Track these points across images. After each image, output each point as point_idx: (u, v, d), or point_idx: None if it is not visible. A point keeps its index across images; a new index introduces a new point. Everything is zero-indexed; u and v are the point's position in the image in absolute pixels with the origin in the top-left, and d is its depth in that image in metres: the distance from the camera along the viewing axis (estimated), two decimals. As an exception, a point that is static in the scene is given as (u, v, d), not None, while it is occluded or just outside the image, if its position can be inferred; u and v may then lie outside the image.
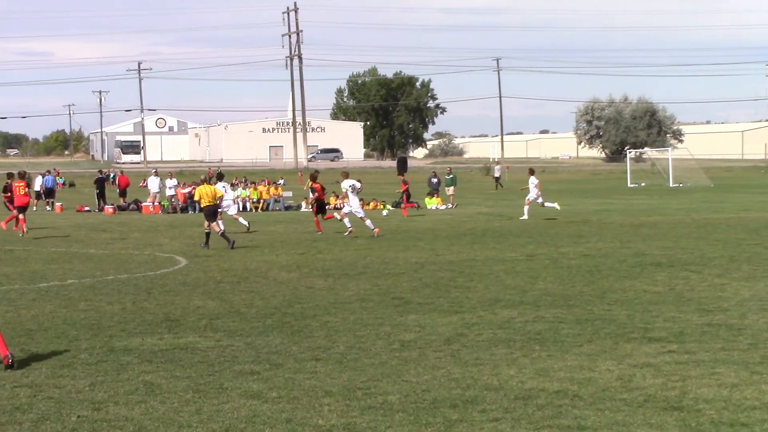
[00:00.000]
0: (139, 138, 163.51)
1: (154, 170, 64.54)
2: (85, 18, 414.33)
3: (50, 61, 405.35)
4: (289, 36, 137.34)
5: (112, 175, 74.91)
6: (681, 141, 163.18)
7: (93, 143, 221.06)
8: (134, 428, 10.46)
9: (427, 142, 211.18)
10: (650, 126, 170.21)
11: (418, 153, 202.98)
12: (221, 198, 33.26)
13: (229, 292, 20.94)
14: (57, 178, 66.45)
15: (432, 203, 58.02)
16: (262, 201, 58.85)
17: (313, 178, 39.53)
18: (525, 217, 43.34)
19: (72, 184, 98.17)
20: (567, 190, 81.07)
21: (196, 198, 32.98)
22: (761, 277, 22.47)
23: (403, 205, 52.67)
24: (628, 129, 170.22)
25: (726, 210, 49.05)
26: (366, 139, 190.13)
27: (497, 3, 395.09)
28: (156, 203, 57.87)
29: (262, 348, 14.71)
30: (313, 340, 15.35)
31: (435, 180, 60.88)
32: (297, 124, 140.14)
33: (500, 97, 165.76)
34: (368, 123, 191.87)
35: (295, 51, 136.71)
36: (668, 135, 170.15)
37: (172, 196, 58.14)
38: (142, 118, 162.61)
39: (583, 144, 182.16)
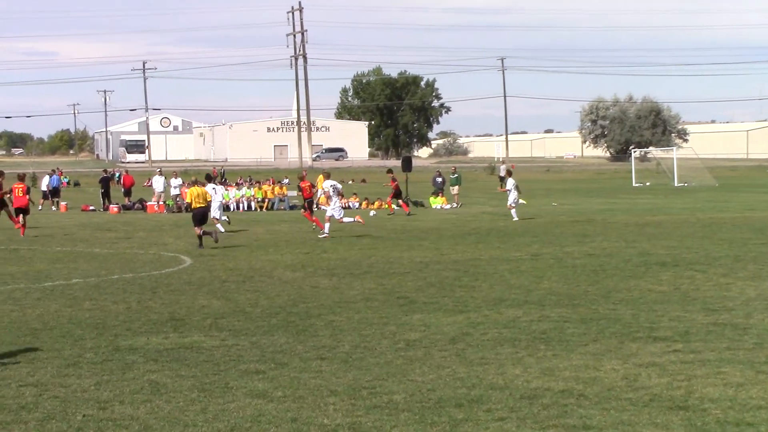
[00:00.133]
0: (144, 137, 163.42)
1: (159, 170, 64.56)
2: (89, 17, 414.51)
3: (54, 61, 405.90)
4: (294, 35, 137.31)
5: (117, 174, 74.90)
6: (686, 140, 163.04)
7: (98, 143, 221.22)
8: (140, 427, 10.46)
9: (432, 142, 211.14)
10: (655, 125, 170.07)
11: (422, 152, 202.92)
12: (210, 201, 32.93)
13: (234, 292, 20.94)
14: (61, 177, 66.40)
15: (437, 202, 58.01)
16: (266, 200, 58.88)
17: (301, 178, 39.69)
18: (515, 218, 43.09)
19: (77, 184, 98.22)
20: (572, 190, 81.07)
21: (188, 200, 32.34)
22: (767, 276, 22.45)
23: (389, 200, 52.64)
24: (633, 128, 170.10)
25: (731, 209, 49.03)
26: (371, 138, 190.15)
27: (502, 2, 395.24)
28: (161, 203, 57.92)
29: (267, 347, 14.71)
30: (318, 339, 15.35)
31: (440, 179, 60.87)
32: (302, 123, 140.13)
33: (505, 96, 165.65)
34: (373, 122, 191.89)
35: (299, 50, 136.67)
36: (673, 134, 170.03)
37: (177, 195, 58.12)
38: (147, 118, 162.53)
39: (587, 143, 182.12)
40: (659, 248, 28.98)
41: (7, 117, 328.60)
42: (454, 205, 57.59)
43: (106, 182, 61.14)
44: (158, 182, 59.84)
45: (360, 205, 58.67)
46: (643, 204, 56.48)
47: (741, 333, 15.43)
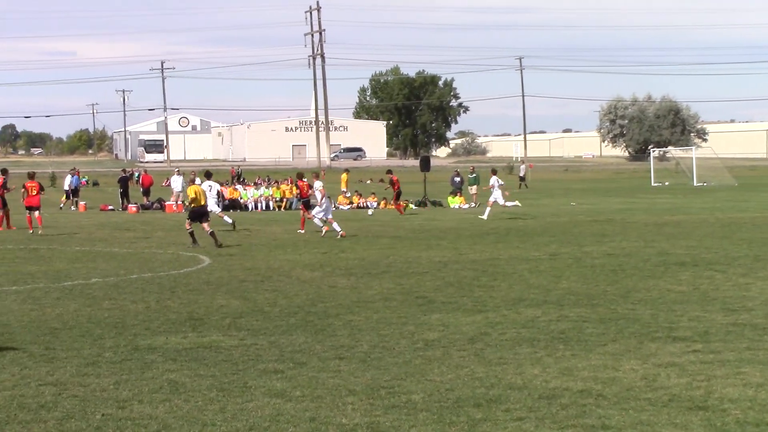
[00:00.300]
0: (163, 137, 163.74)
1: (177, 169, 64.71)
2: (108, 17, 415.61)
3: (73, 61, 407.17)
4: (312, 35, 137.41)
5: (136, 174, 75.07)
6: (705, 140, 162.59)
7: (116, 142, 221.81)
8: (158, 426, 10.47)
9: (450, 141, 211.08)
10: (674, 125, 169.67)
11: (440, 152, 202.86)
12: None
13: (252, 291, 20.96)
14: (78, 177, 66.62)
15: (455, 202, 57.98)
16: (285, 200, 58.91)
17: (300, 176, 39.83)
18: (510, 207, 43.41)
19: (96, 183, 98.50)
20: (590, 189, 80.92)
21: (191, 197, 32.12)
22: (786, 276, 22.36)
23: (393, 202, 52.51)
24: (652, 128, 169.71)
25: (750, 209, 48.87)
26: (389, 138, 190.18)
27: (520, 2, 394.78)
28: (179, 202, 57.97)
29: (285, 347, 14.71)
30: (336, 338, 15.35)
31: (458, 179, 60.85)
32: (320, 123, 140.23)
33: (523, 96, 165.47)
34: (391, 122, 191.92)
35: (317, 50, 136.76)
36: (692, 134, 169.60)
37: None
38: (165, 118, 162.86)
39: (606, 143, 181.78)
40: (678, 248, 28.90)
41: (26, 117, 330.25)
42: (473, 204, 57.54)
43: (124, 182, 61.29)
44: (177, 182, 59.89)
45: (378, 204, 58.64)
46: (662, 204, 56.34)
47: (761, 333, 15.38)
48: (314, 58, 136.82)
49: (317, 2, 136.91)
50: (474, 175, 60.37)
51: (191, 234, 31.58)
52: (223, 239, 32.11)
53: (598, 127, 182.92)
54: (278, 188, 60.57)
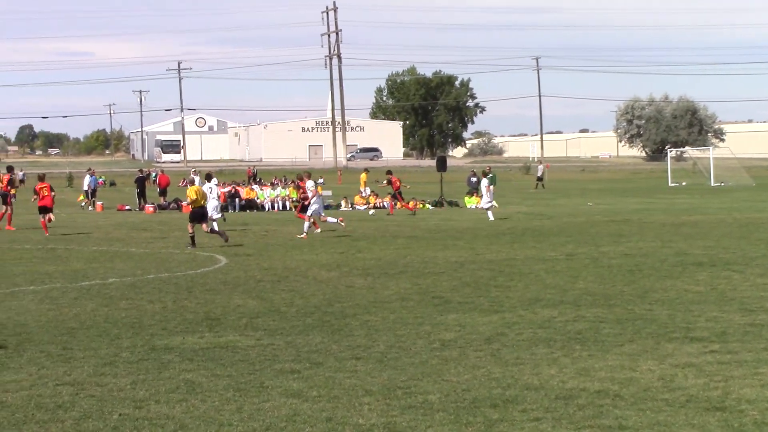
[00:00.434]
0: (179, 137, 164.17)
1: (194, 170, 64.76)
2: (125, 18, 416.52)
3: (91, 61, 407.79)
4: (329, 35, 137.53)
5: (152, 174, 75.24)
6: (722, 140, 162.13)
7: (133, 142, 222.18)
8: (175, 426, 10.49)
9: (467, 142, 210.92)
10: (691, 125, 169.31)
11: (457, 152, 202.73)
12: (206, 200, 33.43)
13: (269, 291, 20.97)
14: (95, 177, 66.85)
15: (471, 202, 57.92)
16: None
17: (300, 178, 39.96)
18: (491, 218, 43.56)
19: (113, 184, 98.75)
20: (607, 189, 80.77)
21: (192, 197, 32.21)
22: (804, 276, 22.28)
23: (394, 203, 52.41)
24: (669, 128, 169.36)
25: (768, 209, 48.70)
26: (405, 138, 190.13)
27: (537, 2, 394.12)
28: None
29: (302, 347, 14.72)
30: (353, 339, 15.35)
31: (474, 179, 60.82)
32: (336, 123, 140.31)
33: (540, 96, 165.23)
34: (407, 122, 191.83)
35: (334, 50, 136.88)
36: (709, 134, 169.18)
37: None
38: (182, 118, 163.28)
39: (623, 143, 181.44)
40: (696, 248, 28.83)
41: (44, 117, 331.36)
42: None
43: (141, 182, 61.40)
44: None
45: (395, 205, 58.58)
46: (679, 204, 56.21)
47: (778, 334, 15.33)
48: (331, 59, 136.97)
49: (334, 3, 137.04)
50: (490, 175, 60.17)
51: (192, 237, 31.62)
52: (200, 240, 32.12)
53: (614, 128, 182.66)
54: (295, 188, 60.57)
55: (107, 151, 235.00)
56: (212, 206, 36.45)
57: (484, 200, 45.84)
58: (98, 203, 59.88)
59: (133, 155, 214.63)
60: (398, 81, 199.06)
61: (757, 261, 25.34)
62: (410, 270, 24.53)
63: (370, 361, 13.60)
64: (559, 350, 14.21)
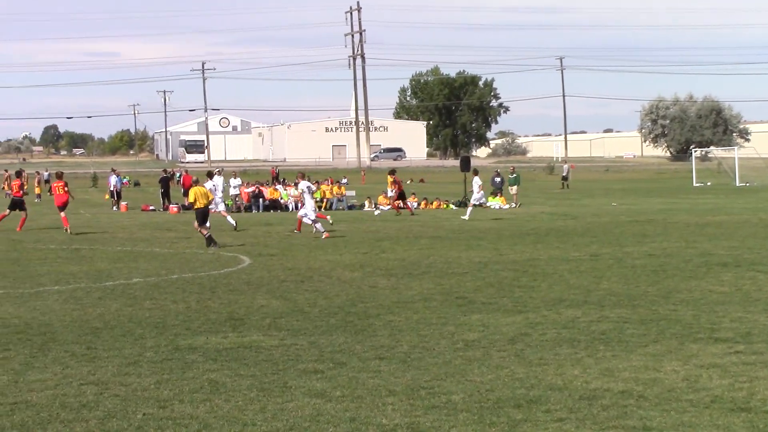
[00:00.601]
0: (203, 137, 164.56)
1: (218, 169, 64.93)
2: (149, 18, 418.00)
3: (115, 62, 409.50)
4: (352, 35, 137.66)
5: (177, 174, 75.43)
6: (747, 140, 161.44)
7: (157, 143, 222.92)
8: (199, 426, 10.51)
9: (490, 142, 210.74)
10: (716, 125, 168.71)
11: (481, 152, 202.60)
12: (212, 200, 33.65)
13: (292, 291, 20.99)
14: (119, 177, 67.14)
15: (495, 202, 57.89)
16: (325, 200, 59.01)
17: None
18: (466, 218, 43.91)
19: (137, 184, 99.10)
20: (631, 190, 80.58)
21: (190, 200, 32.72)
22: (830, 277, 22.17)
23: (396, 203, 52.42)
24: (694, 128, 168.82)
25: (793, 209, 48.47)
26: (429, 138, 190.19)
27: (561, 1, 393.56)
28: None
29: (325, 347, 14.72)
30: (376, 339, 15.35)
31: (498, 179, 60.80)
32: (360, 123, 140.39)
33: (563, 96, 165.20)
34: (431, 122, 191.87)
35: (357, 50, 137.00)
36: (734, 134, 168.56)
37: (236, 195, 58.48)
38: (206, 118, 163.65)
39: (647, 143, 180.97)
40: (720, 248, 28.72)
41: (68, 117, 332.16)
42: (513, 205, 57.46)
43: (165, 182, 61.59)
44: (217, 182, 60.10)
45: (419, 204, 58.66)
46: (704, 204, 56.01)
47: (804, 334, 15.25)
48: (354, 59, 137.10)
49: (357, 3, 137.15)
50: (514, 175, 60.34)
51: (207, 238, 31.80)
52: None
53: (639, 127, 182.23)
54: (318, 188, 60.67)
55: (131, 152, 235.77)
56: (217, 202, 37.27)
57: (476, 196, 46.25)
58: (123, 203, 60.09)
59: (157, 155, 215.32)
60: (422, 81, 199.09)
61: (782, 261, 25.22)
62: (433, 270, 24.52)
63: (393, 362, 13.60)
64: (582, 351, 14.18)
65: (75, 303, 19.57)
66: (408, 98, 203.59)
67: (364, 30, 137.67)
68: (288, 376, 12.75)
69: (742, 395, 11.46)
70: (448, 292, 20.58)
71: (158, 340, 15.46)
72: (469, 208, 45.94)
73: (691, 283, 21.34)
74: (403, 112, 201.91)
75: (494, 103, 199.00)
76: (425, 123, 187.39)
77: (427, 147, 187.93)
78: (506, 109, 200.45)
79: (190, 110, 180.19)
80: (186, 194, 61.50)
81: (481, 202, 46.59)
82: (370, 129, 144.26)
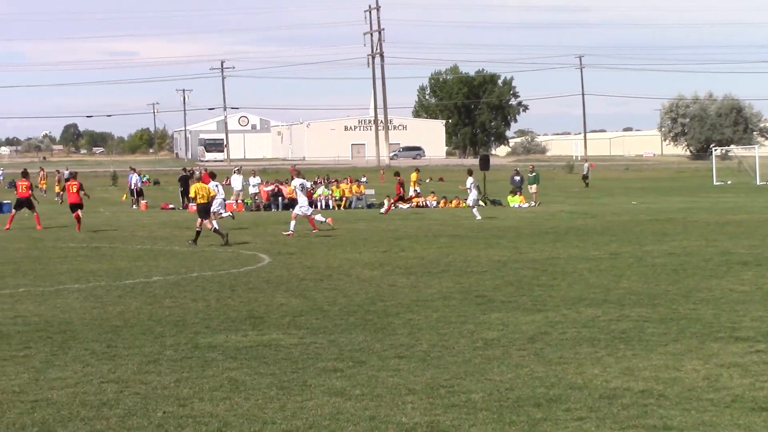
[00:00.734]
0: (222, 136, 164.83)
1: (237, 168, 65.03)
2: (168, 17, 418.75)
3: (134, 61, 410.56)
4: (371, 34, 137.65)
5: (196, 173, 75.50)
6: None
7: (177, 141, 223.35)
8: (219, 424, 10.52)
9: (510, 140, 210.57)
10: (736, 123, 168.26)
11: (500, 151, 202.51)
12: (213, 197, 34.08)
13: (312, 290, 21.00)
14: (140, 176, 67.33)
15: (515, 201, 57.83)
16: (344, 199, 59.04)
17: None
18: (478, 218, 43.93)
19: (156, 182, 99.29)
20: (651, 188, 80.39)
21: (191, 195, 33.99)
22: None
23: (392, 201, 52.43)
24: (714, 126, 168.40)
25: (814, 208, 48.28)
26: (448, 137, 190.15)
27: (580, 0, 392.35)
28: (239, 201, 58.31)
29: (345, 345, 14.73)
30: (396, 337, 15.34)
31: (518, 178, 60.74)
32: (379, 122, 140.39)
33: (583, 94, 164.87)
34: (450, 121, 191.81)
35: (376, 49, 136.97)
36: (755, 132, 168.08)
37: (256, 194, 58.56)
38: (225, 117, 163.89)
39: (667, 141, 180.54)
40: (741, 247, 28.62)
41: (88, 116, 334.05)
42: (532, 203, 57.39)
43: (185, 181, 61.68)
44: (237, 181, 60.28)
45: (438, 203, 58.65)
46: (724, 203, 55.84)
47: (825, 333, 15.19)
48: (373, 57, 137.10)
49: (376, 1, 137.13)
50: (534, 174, 60.28)
51: (217, 232, 32.18)
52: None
53: (659, 126, 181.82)
54: (338, 187, 60.72)
55: (151, 150, 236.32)
56: (218, 203, 37.66)
57: (471, 196, 46.47)
58: (142, 201, 60.25)
59: (176, 154, 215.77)
60: (441, 79, 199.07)
61: (803, 260, 25.12)
62: (453, 269, 24.50)
63: (413, 360, 13.59)
64: (603, 349, 14.15)
65: (95, 301, 19.63)
66: (427, 97, 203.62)
67: (383, 29, 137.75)
68: (307, 374, 12.76)
69: (763, 394, 11.41)
70: (467, 290, 20.56)
71: (178, 338, 15.49)
72: (474, 209, 45.87)
73: (711, 282, 21.27)
74: (422, 110, 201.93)
75: (513, 101, 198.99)
76: (444, 121, 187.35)
77: (446, 146, 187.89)
78: (525, 108, 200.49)
79: (210, 109, 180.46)
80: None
81: (476, 202, 46.82)
82: (389, 128, 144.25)
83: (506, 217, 45.72)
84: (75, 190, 39.60)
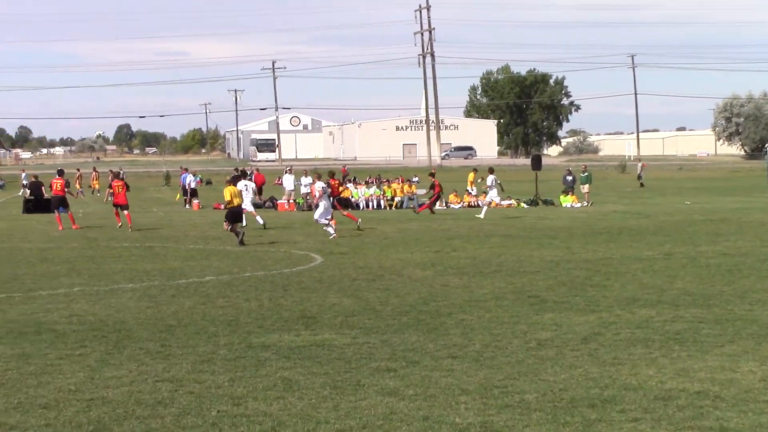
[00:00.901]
0: (274, 136, 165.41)
1: (289, 168, 65.19)
2: (220, 18, 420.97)
3: (187, 61, 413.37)
4: (422, 34, 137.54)
5: (248, 173, 75.78)
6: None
7: (229, 141, 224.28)
8: (273, 423, 10.55)
9: (562, 140, 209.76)
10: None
11: (552, 151, 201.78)
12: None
13: (364, 290, 21.02)
14: (193, 176, 67.66)
15: (567, 201, 57.58)
16: (395, 199, 59.04)
17: (331, 175, 40.57)
18: (481, 216, 44.18)
19: (209, 182, 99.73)
20: (705, 188, 79.79)
21: (226, 198, 33.35)
22: None
23: (427, 203, 52.24)
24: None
25: None
26: (500, 136, 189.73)
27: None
28: (291, 201, 58.46)
29: (398, 345, 14.73)
30: (449, 338, 15.33)
31: (570, 178, 60.48)
32: (430, 122, 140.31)
33: (635, 94, 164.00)
34: (502, 121, 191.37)
35: (427, 49, 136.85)
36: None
37: (307, 193, 58.63)
38: (277, 117, 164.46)
39: (721, 141, 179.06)
40: (796, 248, 28.35)
41: (141, 116, 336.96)
42: (585, 203, 57.13)
43: (237, 181, 61.87)
44: (288, 180, 60.40)
45: (490, 203, 58.45)
46: (778, 202, 55.30)
47: None
48: (424, 57, 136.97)
49: (427, 1, 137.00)
50: (586, 174, 60.03)
51: (234, 232, 32.29)
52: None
53: (712, 125, 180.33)
54: (389, 187, 60.73)
55: (203, 150, 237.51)
56: (247, 201, 39.40)
57: (491, 194, 46.58)
58: (195, 201, 60.56)
59: (228, 154, 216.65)
60: (492, 79, 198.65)
61: None
62: (505, 269, 24.44)
63: (466, 360, 13.57)
64: (657, 350, 14.06)
65: (149, 300, 19.76)
66: (478, 96, 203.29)
67: (434, 28, 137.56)
68: (361, 374, 12.77)
69: (820, 397, 11.29)
70: (520, 290, 20.50)
71: (231, 337, 15.55)
72: (484, 208, 45.90)
73: (766, 283, 21.08)
74: (474, 110, 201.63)
75: (565, 101, 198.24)
76: (496, 121, 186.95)
77: (498, 145, 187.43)
78: (577, 108, 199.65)
79: (261, 109, 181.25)
80: (260, 192, 62.11)
81: (494, 200, 46.88)
82: (441, 127, 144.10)
83: (558, 217, 45.54)
84: (120, 190, 39.95)
